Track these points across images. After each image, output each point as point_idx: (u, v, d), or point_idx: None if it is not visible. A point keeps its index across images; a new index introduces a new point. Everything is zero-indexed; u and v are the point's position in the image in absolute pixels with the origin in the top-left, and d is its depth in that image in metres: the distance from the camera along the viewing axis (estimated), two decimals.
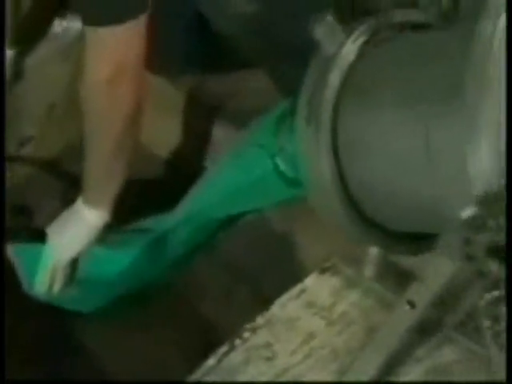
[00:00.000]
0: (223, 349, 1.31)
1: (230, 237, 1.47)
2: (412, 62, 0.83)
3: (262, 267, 1.55)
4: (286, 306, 1.35)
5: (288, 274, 1.45)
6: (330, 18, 0.89)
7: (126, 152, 1.34)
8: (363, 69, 0.87)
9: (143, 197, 1.58)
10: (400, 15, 0.91)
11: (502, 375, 0.71)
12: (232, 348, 1.31)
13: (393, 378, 1.03)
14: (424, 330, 1.01)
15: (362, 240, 0.90)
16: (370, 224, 0.88)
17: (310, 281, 1.35)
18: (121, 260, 1.38)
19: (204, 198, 1.22)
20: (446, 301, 0.88)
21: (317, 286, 1.34)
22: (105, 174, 1.37)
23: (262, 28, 1.42)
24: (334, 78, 0.87)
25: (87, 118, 1.37)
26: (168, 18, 1.49)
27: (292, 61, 0.92)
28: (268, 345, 1.30)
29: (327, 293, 1.31)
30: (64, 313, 1.49)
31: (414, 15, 0.92)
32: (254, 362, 1.28)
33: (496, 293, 0.66)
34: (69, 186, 1.71)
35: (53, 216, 1.47)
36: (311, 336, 1.28)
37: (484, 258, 0.65)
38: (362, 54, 0.89)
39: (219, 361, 1.30)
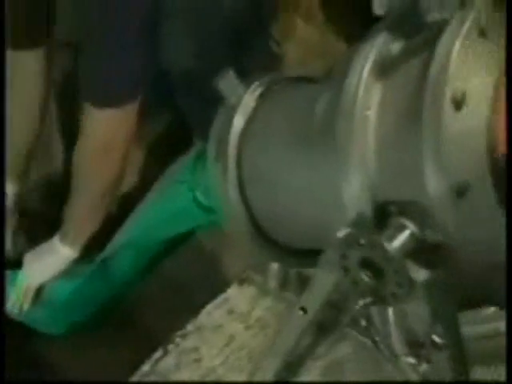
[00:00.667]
0: (157, 354, 1.35)
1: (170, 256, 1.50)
2: (297, 111, 0.89)
3: (194, 281, 1.58)
4: (211, 313, 1.40)
5: (215, 285, 1.49)
6: (231, 73, 0.95)
7: (107, 203, 1.38)
8: (260, 116, 0.92)
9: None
10: (291, 71, 0.98)
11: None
12: (165, 353, 1.35)
13: (294, 377, 1.08)
14: (323, 329, 1.06)
15: (265, 257, 0.95)
16: (272, 243, 0.93)
17: (231, 291, 1.40)
18: (66, 288, 1.42)
19: (137, 228, 1.26)
20: (338, 303, 0.89)
21: (236, 295, 1.39)
22: (85, 220, 1.40)
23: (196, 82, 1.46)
24: (237, 124, 0.92)
25: (76, 174, 1.40)
26: None
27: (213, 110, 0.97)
28: (196, 348, 1.35)
29: (245, 301, 1.37)
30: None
31: (302, 71, 0.97)
32: (184, 365, 1.33)
33: (368, 299, 0.71)
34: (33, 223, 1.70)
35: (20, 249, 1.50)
36: (232, 339, 1.34)
37: (357, 270, 0.71)
38: (259, 103, 0.93)
39: (154, 365, 1.34)
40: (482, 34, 0.71)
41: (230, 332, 1.35)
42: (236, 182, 0.91)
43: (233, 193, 0.91)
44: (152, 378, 1.32)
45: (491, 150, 0.72)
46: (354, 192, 0.74)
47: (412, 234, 0.70)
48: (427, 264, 0.70)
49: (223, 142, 0.92)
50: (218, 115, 0.95)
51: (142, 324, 1.56)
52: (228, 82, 0.94)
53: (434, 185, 0.68)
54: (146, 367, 1.34)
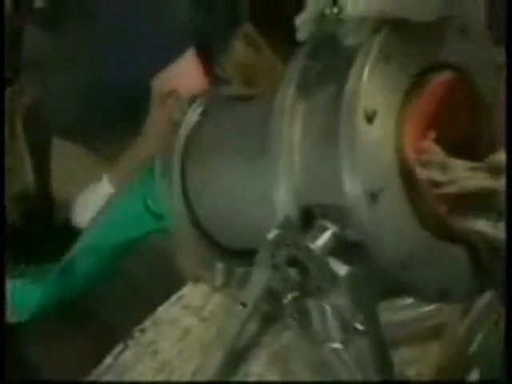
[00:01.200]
0: (118, 348, 1.37)
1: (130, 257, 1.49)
2: (235, 126, 0.92)
3: (153, 280, 1.59)
4: (167, 309, 1.43)
5: (171, 284, 1.48)
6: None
7: None
8: (203, 131, 0.95)
9: None
10: (232, 90, 1.02)
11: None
12: (125, 347, 1.37)
13: (243, 363, 1.05)
14: (268, 320, 1.06)
15: (210, 258, 0.97)
16: (216, 245, 0.96)
17: (186, 288, 1.43)
18: (34, 293, 1.41)
19: (95, 233, 1.28)
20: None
21: (191, 292, 1.42)
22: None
23: None
24: (181, 138, 0.95)
25: None
26: None
27: None
28: (154, 342, 1.37)
29: (199, 297, 1.39)
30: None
31: (241, 90, 1.03)
32: (142, 358, 1.35)
33: (296, 293, 0.75)
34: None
35: None
36: (187, 332, 1.36)
37: (285, 268, 0.74)
38: (202, 119, 0.96)
39: (115, 358, 1.36)
40: (388, 59, 0.75)
41: (185, 325, 1.38)
42: (181, 192, 0.94)
43: (178, 202, 0.94)
44: (113, 371, 1.34)
45: (400, 157, 0.76)
46: (282, 197, 0.77)
47: (334, 234, 0.74)
48: (348, 260, 0.73)
49: (168, 157, 0.95)
50: (165, 132, 0.97)
51: (104, 320, 1.55)
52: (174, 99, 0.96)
53: (350, 189, 0.72)
54: (108, 360, 1.36)
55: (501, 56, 0.84)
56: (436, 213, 0.78)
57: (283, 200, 0.78)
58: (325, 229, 0.75)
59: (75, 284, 1.38)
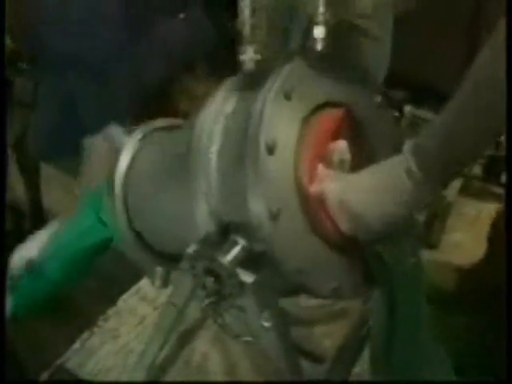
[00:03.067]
0: (85, 335, 1.32)
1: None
2: (167, 152, 0.88)
3: (115, 275, 1.49)
4: (127, 300, 1.38)
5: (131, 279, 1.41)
6: (116, 125, 0.93)
7: None
8: (141, 157, 0.91)
9: None
10: (166, 121, 0.96)
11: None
12: (91, 334, 1.32)
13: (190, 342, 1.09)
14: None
15: (149, 263, 0.93)
16: (155, 253, 0.92)
17: (142, 282, 1.38)
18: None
19: (59, 240, 1.23)
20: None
21: (147, 285, 1.37)
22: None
23: None
24: (122, 164, 0.91)
25: None
26: None
27: None
28: (115, 329, 1.32)
29: (153, 289, 1.35)
30: None
31: (171, 122, 0.96)
32: (105, 342, 1.31)
33: (213, 298, 0.72)
34: None
35: None
36: (143, 319, 1.32)
37: (203, 277, 0.71)
38: (140, 147, 0.92)
39: (83, 343, 1.31)
40: (287, 97, 0.71)
41: (142, 313, 1.33)
42: (123, 208, 0.90)
43: (121, 217, 0.90)
44: (81, 354, 1.29)
45: (297, 182, 0.73)
46: (202, 216, 0.74)
47: (243, 247, 0.71)
48: (255, 269, 0.71)
49: (111, 178, 0.90)
50: (108, 157, 0.93)
51: (76, 309, 1.47)
52: (114, 132, 0.93)
53: (255, 210, 0.69)
54: (76, 345, 1.31)
55: (378, 98, 0.82)
56: (329, 226, 0.75)
57: (203, 217, 0.75)
58: (236, 243, 0.72)
59: (46, 285, 1.31)
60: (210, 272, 0.70)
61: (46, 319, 1.45)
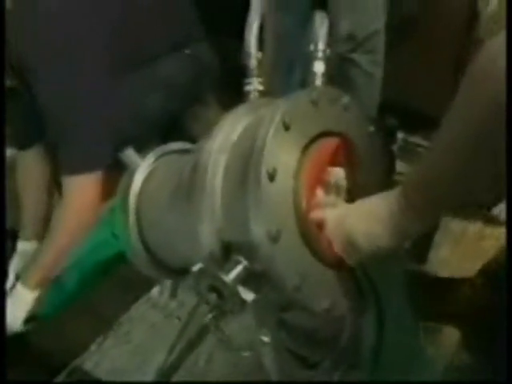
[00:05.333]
0: (100, 339, 1.30)
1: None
2: (174, 175, 0.84)
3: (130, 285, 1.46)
4: (139, 308, 1.36)
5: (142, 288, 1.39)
6: (131, 149, 0.91)
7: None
8: (153, 178, 0.88)
9: None
10: (169, 147, 0.93)
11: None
12: (106, 337, 1.31)
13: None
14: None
15: (158, 275, 0.89)
16: (163, 266, 0.88)
17: (154, 291, 1.36)
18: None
19: (77, 253, 1.20)
20: None
21: (158, 293, 1.34)
22: (50, 267, 1.25)
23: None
24: (135, 184, 0.88)
25: (52, 229, 1.25)
26: None
27: None
28: (128, 333, 1.31)
29: (164, 297, 1.33)
30: None
31: (181, 145, 0.93)
32: (118, 345, 1.29)
33: (215, 313, 0.68)
34: None
35: None
36: (154, 326, 1.30)
37: (206, 293, 0.67)
38: (153, 169, 0.89)
39: (98, 346, 1.30)
40: (286, 128, 0.69)
41: (153, 321, 1.31)
42: (135, 225, 0.87)
43: (133, 232, 0.87)
44: (97, 355, 1.27)
45: (296, 206, 0.70)
46: (207, 236, 0.71)
47: (244, 267, 0.68)
48: (255, 287, 0.67)
49: (125, 197, 0.87)
50: (123, 178, 0.90)
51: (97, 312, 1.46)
52: (129, 155, 0.90)
53: (255, 232, 0.66)
54: (93, 347, 1.30)
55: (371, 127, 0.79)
56: (325, 247, 0.72)
57: (207, 237, 0.71)
58: (238, 262, 0.68)
59: (67, 292, 1.28)
60: (213, 289, 0.67)
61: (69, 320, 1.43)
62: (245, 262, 0.68)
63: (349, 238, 0.68)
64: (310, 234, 0.71)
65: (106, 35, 1.22)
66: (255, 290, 0.67)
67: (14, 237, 1.53)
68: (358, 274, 0.73)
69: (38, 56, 1.15)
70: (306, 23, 0.83)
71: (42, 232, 1.40)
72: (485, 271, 1.10)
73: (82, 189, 1.20)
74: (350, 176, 0.77)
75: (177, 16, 1.38)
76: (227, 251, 0.70)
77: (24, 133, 1.46)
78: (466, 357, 1.15)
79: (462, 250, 1.39)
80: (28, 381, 1.23)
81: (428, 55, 1.56)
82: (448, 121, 0.58)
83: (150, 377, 1.08)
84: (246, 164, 0.68)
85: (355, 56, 1.39)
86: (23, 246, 1.48)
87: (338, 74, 1.41)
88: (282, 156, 0.68)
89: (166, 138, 0.97)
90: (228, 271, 0.67)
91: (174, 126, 1.42)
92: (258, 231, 0.66)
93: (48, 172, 1.50)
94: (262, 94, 0.83)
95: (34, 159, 1.50)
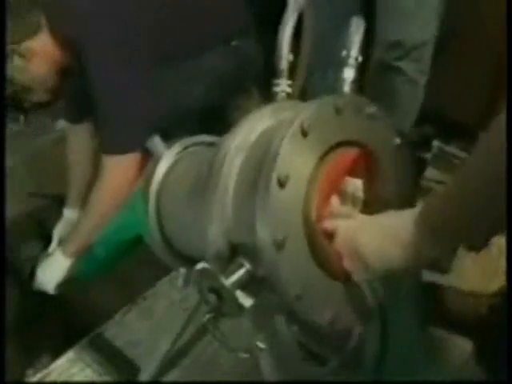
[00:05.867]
0: (124, 310, 1.31)
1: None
2: (194, 169, 0.83)
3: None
4: (163, 285, 1.37)
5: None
6: (157, 138, 0.90)
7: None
8: (175, 169, 0.87)
9: None
10: (196, 139, 0.91)
11: None
12: (129, 309, 1.32)
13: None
14: None
15: (174, 264, 0.89)
16: (180, 255, 0.88)
17: (173, 273, 1.32)
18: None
19: (105, 233, 1.21)
20: None
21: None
22: (87, 238, 1.27)
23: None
24: (158, 173, 0.87)
25: (89, 204, 1.29)
26: None
27: None
28: (150, 308, 1.32)
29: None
30: None
31: (207, 138, 0.91)
32: (140, 319, 1.30)
33: (213, 314, 0.66)
34: None
35: None
36: (174, 303, 1.29)
37: (207, 294, 0.66)
38: (176, 160, 0.88)
39: (121, 317, 1.31)
40: (304, 134, 0.65)
41: (173, 298, 1.30)
42: (155, 213, 0.86)
43: (152, 221, 0.86)
44: (119, 326, 1.28)
45: (306, 216, 0.67)
46: (215, 235, 0.69)
47: (247, 271, 0.66)
48: (255, 293, 0.65)
49: (147, 185, 0.87)
50: (148, 166, 0.90)
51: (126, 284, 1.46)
52: (155, 143, 0.89)
53: (261, 238, 0.63)
54: (117, 317, 1.31)
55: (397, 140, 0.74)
56: (332, 258, 0.69)
57: (215, 236, 0.69)
58: (241, 266, 0.66)
59: (97, 263, 1.28)
60: (213, 290, 0.65)
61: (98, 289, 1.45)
62: (248, 266, 0.66)
63: (360, 254, 0.64)
64: (317, 243, 0.68)
65: (154, 27, 1.23)
66: (255, 295, 0.65)
67: (61, 203, 1.57)
68: (364, 286, 0.70)
69: (90, 42, 1.16)
70: (344, 27, 0.78)
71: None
72: (502, 292, 1.04)
73: (118, 168, 1.23)
74: (369, 188, 0.73)
75: (226, 10, 1.35)
76: (233, 253, 0.68)
77: (76, 109, 1.49)
78: (475, 369, 1.11)
79: (483, 264, 1.32)
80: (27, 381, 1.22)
81: (466, 65, 1.48)
82: (474, 154, 0.54)
83: (160, 356, 1.07)
84: (260, 167, 0.65)
85: (401, 64, 1.33)
86: (68, 214, 1.53)
87: (383, 80, 1.36)
88: (297, 163, 0.65)
89: (207, 129, 0.94)
90: (230, 274, 0.65)
91: (216, 117, 1.40)
92: (264, 237, 0.63)
93: (95, 146, 1.52)
94: (290, 96, 0.80)
95: (83, 133, 1.53)
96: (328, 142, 0.69)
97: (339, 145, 0.70)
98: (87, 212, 1.29)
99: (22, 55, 1.20)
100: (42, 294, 1.34)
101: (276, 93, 0.80)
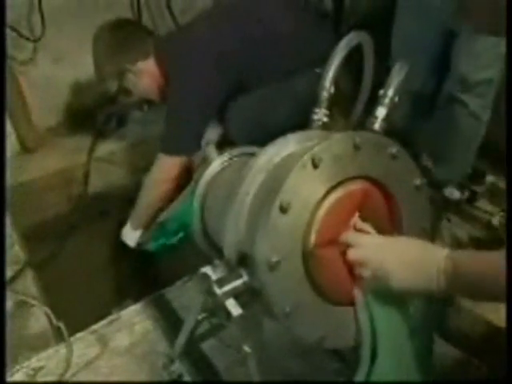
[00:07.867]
0: (185, 278, 1.32)
1: None
2: (232, 178, 0.81)
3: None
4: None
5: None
6: (211, 145, 0.89)
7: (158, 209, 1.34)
8: (220, 175, 0.87)
9: None
10: (246, 149, 0.89)
11: None
12: (190, 278, 1.32)
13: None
14: None
15: (207, 251, 0.89)
16: (217, 249, 0.87)
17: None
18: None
19: (173, 213, 1.26)
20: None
21: None
22: (146, 217, 1.37)
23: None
24: (206, 176, 0.87)
25: (143, 191, 1.36)
26: None
27: None
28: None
29: None
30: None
31: (251, 149, 0.89)
32: (196, 287, 1.22)
33: (205, 314, 0.67)
34: None
35: None
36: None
37: (205, 296, 0.65)
38: (223, 167, 0.87)
39: (183, 284, 1.31)
40: (315, 165, 0.62)
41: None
42: (199, 210, 0.86)
43: (196, 217, 0.86)
44: (180, 290, 1.29)
45: (305, 242, 0.64)
46: (228, 243, 0.69)
47: (244, 282, 0.64)
48: (246, 303, 0.63)
49: (196, 184, 0.87)
50: (199, 170, 0.91)
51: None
52: (210, 150, 0.89)
53: (259, 257, 0.61)
54: (178, 283, 1.32)
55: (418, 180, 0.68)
56: (327, 283, 0.65)
57: (228, 245, 0.69)
58: (240, 276, 0.64)
59: (168, 236, 1.33)
60: (209, 294, 0.64)
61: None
62: (246, 278, 0.64)
63: (383, 270, 0.61)
64: (313, 268, 0.64)
65: (246, 54, 1.26)
66: (248, 305, 0.63)
67: None
68: (359, 311, 0.65)
69: (173, 81, 1.25)
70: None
71: None
72: None
73: (168, 165, 1.29)
74: (380, 228, 0.68)
75: (316, 38, 1.31)
76: (240, 263, 0.67)
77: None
78: None
79: None
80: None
81: None
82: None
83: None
84: (268, 193, 0.63)
85: (465, 97, 1.23)
86: None
87: (448, 111, 1.27)
88: (303, 192, 0.61)
89: None
90: (226, 283, 0.64)
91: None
92: (259, 257, 0.61)
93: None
94: (325, 125, 0.76)
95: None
96: (341, 175, 0.64)
97: (358, 179, 0.65)
98: (140, 196, 1.36)
99: (134, 73, 1.30)
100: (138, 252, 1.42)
101: (313, 120, 0.77)
